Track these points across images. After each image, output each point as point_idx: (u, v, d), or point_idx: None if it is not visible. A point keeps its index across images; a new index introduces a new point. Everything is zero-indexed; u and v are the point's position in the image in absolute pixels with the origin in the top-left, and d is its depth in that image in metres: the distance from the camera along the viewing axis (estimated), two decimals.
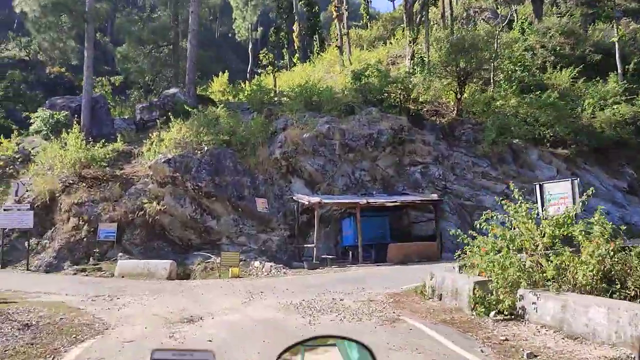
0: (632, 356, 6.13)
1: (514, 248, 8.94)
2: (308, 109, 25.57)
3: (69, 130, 23.76)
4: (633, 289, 7.72)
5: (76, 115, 26.17)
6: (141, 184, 21.64)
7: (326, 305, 10.48)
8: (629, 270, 8.00)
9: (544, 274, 8.52)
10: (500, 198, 9.75)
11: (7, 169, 24.43)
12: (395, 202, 21.11)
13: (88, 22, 28.35)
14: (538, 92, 26.38)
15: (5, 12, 51.91)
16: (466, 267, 11.26)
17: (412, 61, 30.96)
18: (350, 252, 20.56)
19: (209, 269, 18.40)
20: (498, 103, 26.74)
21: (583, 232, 8.42)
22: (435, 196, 21.47)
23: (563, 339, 7.27)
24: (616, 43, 29.77)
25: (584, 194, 8.95)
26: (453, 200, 23.29)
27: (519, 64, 29.09)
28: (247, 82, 37.08)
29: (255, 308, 10.59)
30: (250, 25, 50.06)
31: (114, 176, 22.16)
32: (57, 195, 21.30)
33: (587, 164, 26.07)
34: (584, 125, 26.02)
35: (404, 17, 33.93)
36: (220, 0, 54.90)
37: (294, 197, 21.42)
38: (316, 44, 43.42)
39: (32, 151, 25.58)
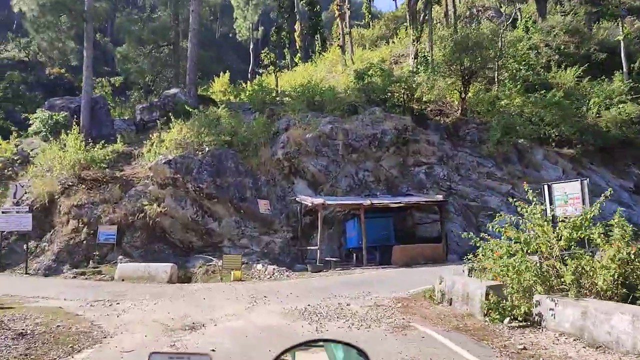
0: None
1: (529, 251, 8.60)
2: (310, 109, 25.22)
3: (68, 131, 23.43)
4: None
5: (75, 116, 25.88)
6: (141, 186, 21.30)
7: (332, 311, 10.17)
8: None
9: (561, 279, 8.18)
10: (514, 200, 9.38)
11: (6, 170, 24.10)
12: (400, 203, 20.76)
13: (87, 22, 28.03)
14: (543, 91, 26.21)
15: (5, 13, 51.70)
16: (476, 270, 10.95)
17: (415, 60, 30.65)
18: (354, 254, 20.24)
19: (210, 272, 18.06)
20: (503, 102, 26.44)
21: (602, 235, 8.09)
22: (440, 197, 21.14)
23: (584, 347, 6.95)
24: (621, 41, 29.55)
25: (602, 195, 8.60)
26: (458, 201, 22.94)
27: (523, 62, 28.82)
28: (248, 82, 36.78)
29: (259, 314, 10.26)
30: (251, 25, 49.75)
31: (113, 178, 21.81)
32: (56, 197, 20.97)
33: (593, 163, 25.73)
34: (589, 125, 25.76)
35: (407, 16, 33.66)
36: None
37: (296, 199, 21.07)
38: (318, 43, 43.08)
39: (31, 153, 25.26)
